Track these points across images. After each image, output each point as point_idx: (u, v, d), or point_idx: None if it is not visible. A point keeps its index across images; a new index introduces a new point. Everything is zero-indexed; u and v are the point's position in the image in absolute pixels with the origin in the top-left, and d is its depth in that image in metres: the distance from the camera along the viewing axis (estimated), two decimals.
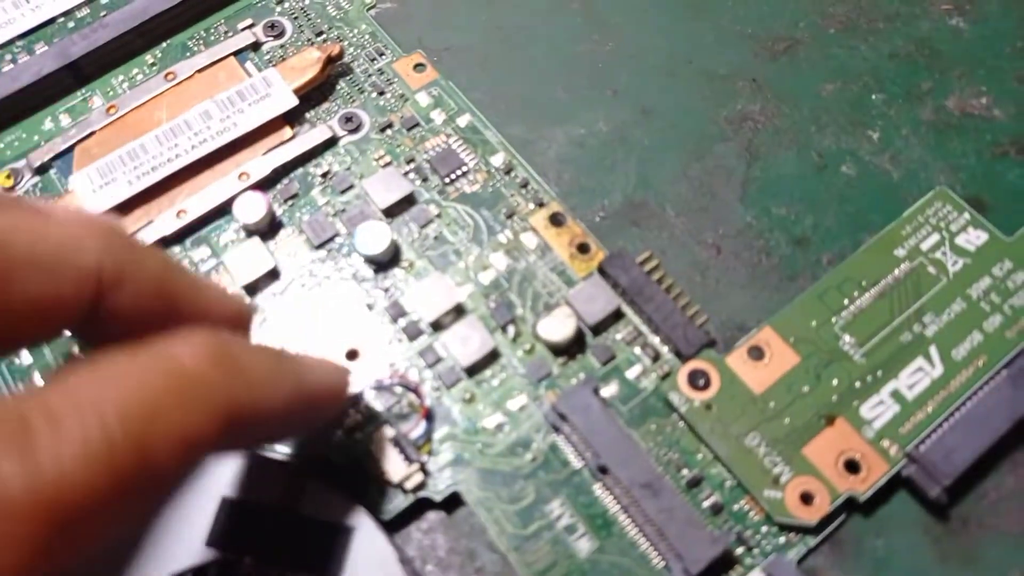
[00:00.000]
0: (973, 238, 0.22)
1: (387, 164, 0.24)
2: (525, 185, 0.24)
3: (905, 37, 0.27)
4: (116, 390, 0.13)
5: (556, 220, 0.23)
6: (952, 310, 0.21)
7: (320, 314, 0.22)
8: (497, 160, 0.24)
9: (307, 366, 0.17)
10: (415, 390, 0.20)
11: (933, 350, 0.20)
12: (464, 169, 0.24)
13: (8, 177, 0.25)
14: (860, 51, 0.27)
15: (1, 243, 0.14)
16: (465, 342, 0.21)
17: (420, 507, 0.20)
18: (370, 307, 0.22)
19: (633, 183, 0.24)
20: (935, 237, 0.22)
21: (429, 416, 0.20)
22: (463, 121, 0.25)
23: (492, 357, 0.21)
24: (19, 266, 0.14)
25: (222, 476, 0.19)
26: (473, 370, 0.21)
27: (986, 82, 0.26)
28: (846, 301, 0.21)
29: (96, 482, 0.12)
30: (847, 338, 0.20)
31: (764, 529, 0.19)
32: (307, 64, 0.25)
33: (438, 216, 0.23)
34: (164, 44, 0.27)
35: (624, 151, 0.25)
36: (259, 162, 0.24)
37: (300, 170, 0.24)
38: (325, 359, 0.18)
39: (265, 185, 0.24)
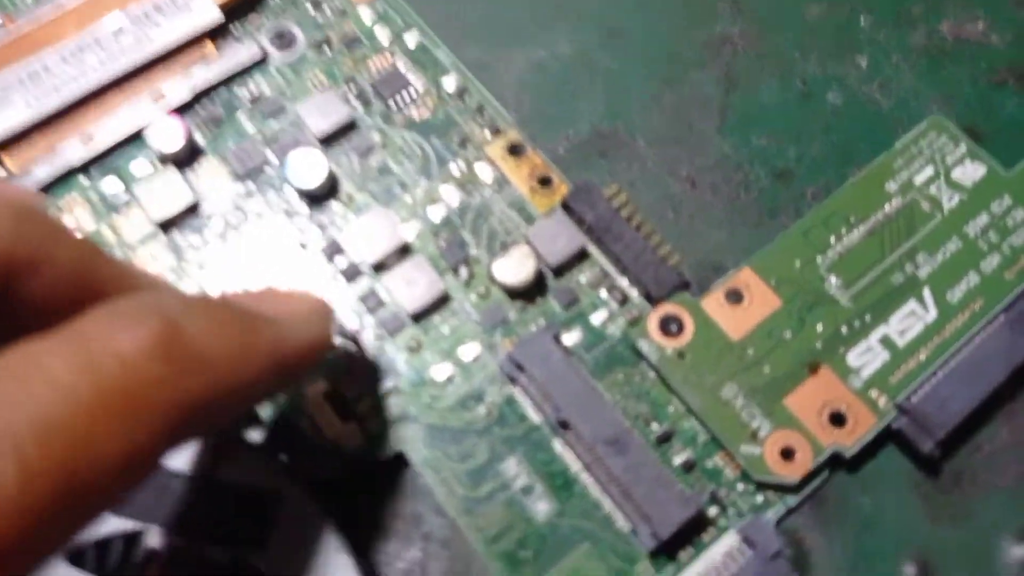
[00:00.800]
0: (970, 172, 0.20)
1: (324, 87, 0.21)
2: (480, 111, 0.21)
3: None
4: (35, 405, 0.10)
5: (515, 150, 0.21)
6: (947, 249, 0.19)
7: (247, 254, 0.19)
8: (449, 83, 0.21)
9: (282, 325, 0.14)
10: (354, 339, 0.18)
11: (926, 292, 0.18)
12: (412, 93, 0.21)
13: None
14: None
15: None
16: (411, 285, 0.19)
17: (359, 469, 0.17)
18: (304, 246, 0.20)
19: (600, 111, 0.22)
20: (929, 170, 0.20)
21: (370, 368, 0.18)
22: (411, 40, 0.22)
23: (442, 301, 0.19)
24: None
25: None
26: (420, 316, 0.19)
27: (982, 5, 0.24)
28: (833, 239, 0.19)
29: (10, 526, 0.10)
30: (833, 279, 0.19)
31: (740, 487, 0.17)
32: None
33: (382, 145, 0.21)
34: None
35: (590, 76, 0.23)
36: (178, 83, 0.21)
37: (225, 93, 0.21)
38: (300, 297, 0.16)
39: (184, 109, 0.21)
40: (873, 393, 0.17)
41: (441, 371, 0.18)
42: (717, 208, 0.21)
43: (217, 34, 0.22)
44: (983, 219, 0.19)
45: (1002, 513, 0.17)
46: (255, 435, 0.17)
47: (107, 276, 0.14)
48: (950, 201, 0.19)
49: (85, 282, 0.14)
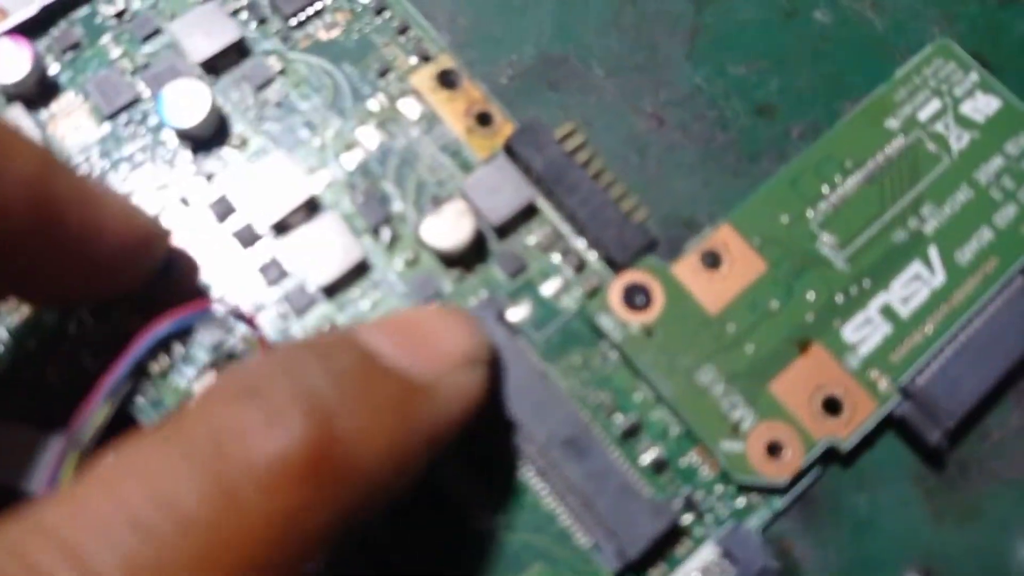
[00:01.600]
0: (982, 105, 0.17)
1: (206, 0, 0.17)
2: (404, 31, 0.17)
3: None
4: (156, 552, 0.08)
5: (448, 80, 0.17)
6: (956, 200, 0.16)
7: None
8: None
9: (438, 393, 0.12)
10: (250, 321, 0.15)
11: (933, 252, 0.16)
12: (318, 7, 0.17)
13: None
14: None
15: None
16: (322, 251, 0.15)
17: None
18: (186, 202, 0.16)
19: (549, 33, 0.19)
20: (935, 104, 0.17)
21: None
22: None
23: (360, 271, 0.15)
24: None
25: None
26: (333, 289, 0.15)
27: None
28: (825, 188, 0.16)
29: None
30: (826, 238, 0.16)
31: (719, 489, 0.14)
32: None
33: (281, 73, 0.17)
34: None
35: None
36: None
37: (84, 9, 0.17)
38: (452, 330, 0.13)
39: (32, 30, 0.17)
40: (872, 374, 0.15)
41: None
42: (689, 150, 0.18)
43: None
44: (997, 162, 0.16)
45: (1014, 509, 0.15)
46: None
47: (70, 193, 0.12)
48: (959, 141, 0.17)
49: (43, 199, 0.12)
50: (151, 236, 0.14)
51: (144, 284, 0.14)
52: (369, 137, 0.16)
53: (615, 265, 0.16)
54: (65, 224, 0.12)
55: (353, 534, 0.11)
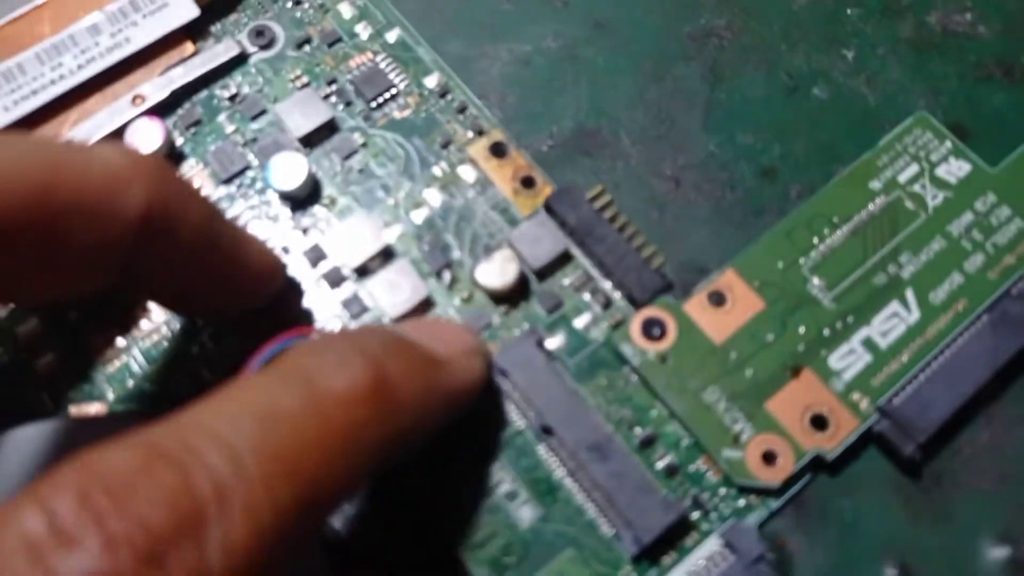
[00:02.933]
0: (955, 169, 0.20)
1: (304, 86, 0.21)
2: (463, 110, 0.21)
3: None
4: (285, 452, 0.12)
5: (498, 150, 0.20)
6: (931, 249, 0.19)
7: None
8: (431, 81, 0.21)
9: (454, 367, 0.16)
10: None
11: (909, 293, 0.18)
12: (393, 92, 0.21)
13: None
14: None
15: (45, 188, 0.13)
16: (394, 290, 0.19)
17: None
18: (286, 250, 0.19)
19: (585, 108, 0.22)
20: (914, 168, 0.20)
21: None
22: (392, 36, 0.22)
23: (425, 306, 0.19)
24: (64, 213, 0.13)
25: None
26: (403, 321, 0.19)
27: None
28: (816, 240, 0.19)
29: (263, 542, 0.11)
30: (816, 281, 0.19)
31: (722, 491, 0.17)
32: None
33: (363, 146, 0.20)
34: None
35: (575, 71, 0.22)
36: (156, 83, 0.21)
37: (204, 93, 0.21)
38: (461, 333, 0.17)
39: (163, 110, 0.21)
40: (855, 396, 0.17)
41: None
42: (702, 207, 0.21)
43: (195, 32, 0.22)
44: (967, 217, 0.19)
45: (982, 515, 0.17)
46: None
47: (227, 236, 0.16)
48: (934, 199, 0.19)
49: (209, 241, 0.15)
50: (277, 267, 0.18)
51: (268, 303, 0.18)
52: (433, 197, 0.20)
53: (636, 303, 0.19)
54: (223, 257, 0.16)
55: (394, 459, 0.14)
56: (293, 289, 0.19)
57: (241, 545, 0.11)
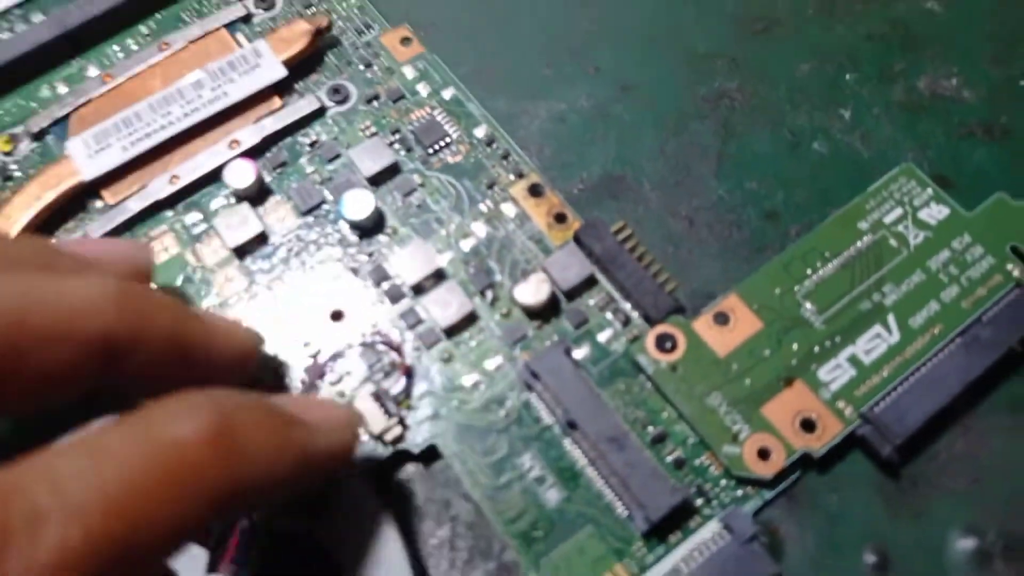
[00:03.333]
0: (935, 213, 0.23)
1: (373, 134, 0.25)
2: (506, 157, 0.24)
3: (881, 18, 0.28)
4: (100, 480, 0.12)
5: (535, 191, 0.24)
6: (911, 281, 0.22)
7: (307, 277, 0.23)
8: (479, 132, 0.25)
9: (316, 430, 0.16)
10: (397, 349, 0.21)
11: (891, 318, 0.21)
12: (447, 140, 0.25)
13: (7, 142, 0.25)
14: (836, 31, 0.27)
15: (16, 318, 0.14)
16: (445, 305, 0.22)
17: (399, 459, 0.21)
18: (354, 271, 0.23)
19: (612, 157, 0.25)
20: (898, 211, 0.23)
21: (409, 374, 0.21)
22: (447, 94, 0.25)
23: (470, 320, 0.22)
24: (33, 341, 0.14)
25: None
26: (452, 331, 0.22)
27: (957, 64, 0.27)
28: (809, 271, 0.22)
29: None
30: (808, 306, 0.21)
31: (723, 483, 0.20)
32: (296, 36, 0.26)
33: (421, 185, 0.24)
34: (158, 15, 0.27)
35: (604, 127, 0.26)
36: (249, 131, 0.25)
37: (289, 139, 0.25)
38: (334, 407, 0.18)
39: (255, 153, 0.24)
40: (840, 404, 0.20)
41: (469, 379, 0.21)
42: (711, 244, 0.24)
43: (282, 89, 0.26)
44: (945, 255, 0.22)
45: (953, 512, 0.20)
46: None
47: (197, 335, 0.17)
48: (916, 238, 0.22)
49: (179, 346, 0.16)
50: (252, 347, 0.19)
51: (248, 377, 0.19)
52: (480, 229, 0.23)
53: (650, 321, 0.22)
54: (195, 358, 0.17)
55: (245, 508, 0.15)
56: (269, 362, 0.21)
57: (45, 565, 0.11)
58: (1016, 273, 0.22)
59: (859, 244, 0.22)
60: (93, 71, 0.26)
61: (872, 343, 0.21)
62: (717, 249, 0.24)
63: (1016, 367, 0.21)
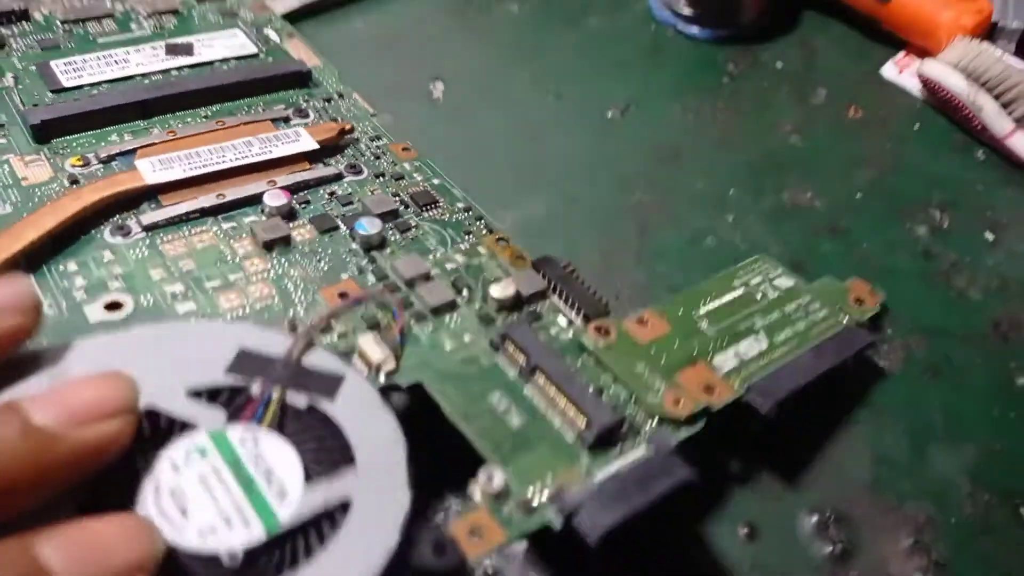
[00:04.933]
0: (784, 283, 0.32)
1: (379, 193, 0.32)
2: (480, 219, 0.32)
3: (757, 150, 0.39)
4: None
5: (501, 241, 0.31)
6: (771, 316, 0.30)
7: (323, 275, 0.29)
8: (460, 204, 0.33)
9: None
10: (398, 305, 0.27)
11: (761, 334, 0.29)
12: (435, 205, 0.32)
13: (79, 159, 0.31)
14: (725, 159, 0.39)
15: None
16: (432, 293, 0.28)
17: (389, 392, 0.25)
18: (360, 271, 0.29)
19: (560, 246, 0.33)
20: (759, 278, 0.32)
21: (403, 332, 0.27)
22: (436, 181, 0.34)
23: (451, 306, 0.28)
24: None
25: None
26: (437, 311, 0.28)
27: (811, 182, 0.38)
28: (701, 302, 0.30)
29: None
30: (704, 323, 0.29)
31: (650, 423, 0.25)
32: (327, 130, 0.34)
33: (415, 227, 0.31)
34: (216, 107, 0.35)
35: (555, 227, 0.35)
36: (285, 176, 0.32)
37: (313, 190, 0.32)
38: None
39: (290, 190, 0.31)
40: (730, 378, 0.27)
41: (449, 344, 0.27)
42: (631, 312, 0.32)
43: (312, 158, 0.33)
44: (793, 305, 0.30)
45: (801, 496, 0.26)
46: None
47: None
48: (772, 294, 0.31)
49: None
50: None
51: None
52: (460, 258, 0.30)
53: (589, 319, 0.28)
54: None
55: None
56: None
57: None
58: (844, 321, 0.30)
59: (733, 294, 0.31)
60: (157, 132, 0.34)
61: (750, 347, 0.28)
62: (638, 302, 0.31)
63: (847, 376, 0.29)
